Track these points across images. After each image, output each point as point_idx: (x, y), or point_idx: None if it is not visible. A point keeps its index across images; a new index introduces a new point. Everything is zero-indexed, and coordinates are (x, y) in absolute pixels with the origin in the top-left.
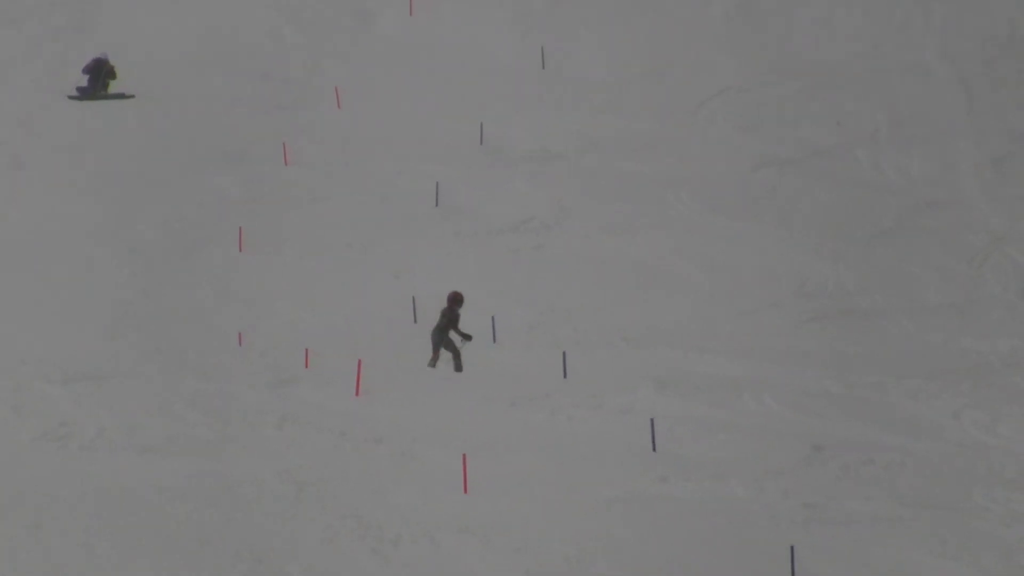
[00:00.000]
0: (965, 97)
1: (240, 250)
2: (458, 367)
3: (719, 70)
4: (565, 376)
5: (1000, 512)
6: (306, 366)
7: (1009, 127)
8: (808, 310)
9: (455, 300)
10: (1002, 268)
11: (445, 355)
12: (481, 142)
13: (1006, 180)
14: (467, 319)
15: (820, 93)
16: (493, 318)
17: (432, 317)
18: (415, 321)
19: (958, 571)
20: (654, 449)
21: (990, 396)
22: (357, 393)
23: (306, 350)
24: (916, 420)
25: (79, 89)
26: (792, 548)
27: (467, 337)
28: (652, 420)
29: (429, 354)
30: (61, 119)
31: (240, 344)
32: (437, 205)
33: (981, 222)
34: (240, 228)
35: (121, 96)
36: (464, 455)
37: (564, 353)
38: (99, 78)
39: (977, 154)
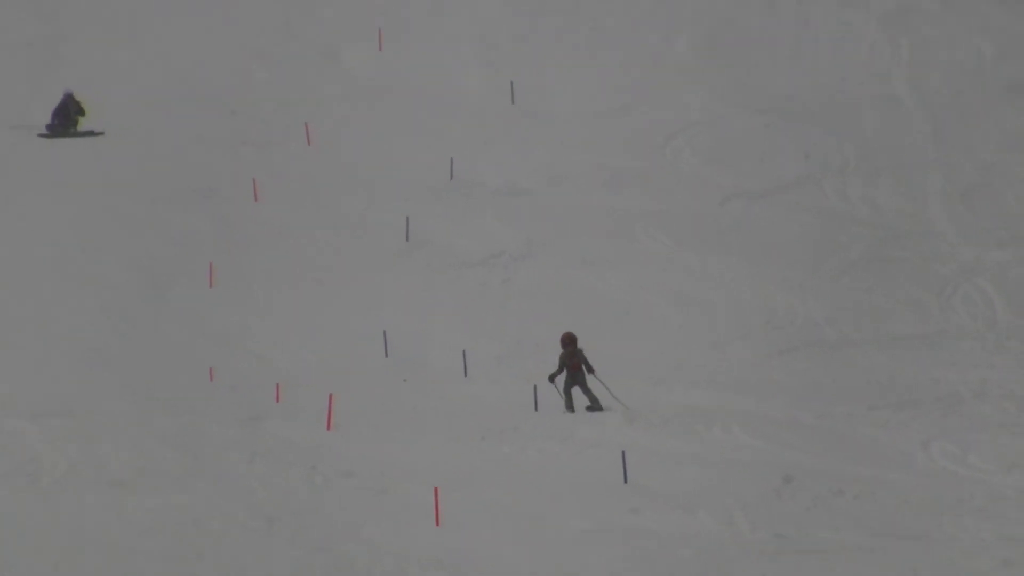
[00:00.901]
0: (933, 128)
1: (210, 286)
2: (597, 404)
3: (686, 104)
4: (536, 409)
5: (970, 541)
6: (277, 401)
7: (977, 158)
8: (777, 342)
9: (571, 340)
10: (971, 299)
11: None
12: (451, 177)
13: (975, 211)
14: (436, 353)
15: (787, 126)
16: (464, 352)
17: (400, 351)
18: (386, 355)
19: None
20: (625, 481)
21: (959, 426)
22: (328, 427)
23: (277, 385)
24: (886, 450)
25: (48, 127)
26: None
27: (590, 370)
28: (623, 452)
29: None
30: (30, 157)
31: (211, 379)
32: (407, 240)
33: (950, 253)
34: (210, 264)
35: (91, 133)
36: (436, 488)
37: (535, 386)
38: (68, 115)
39: (946, 185)
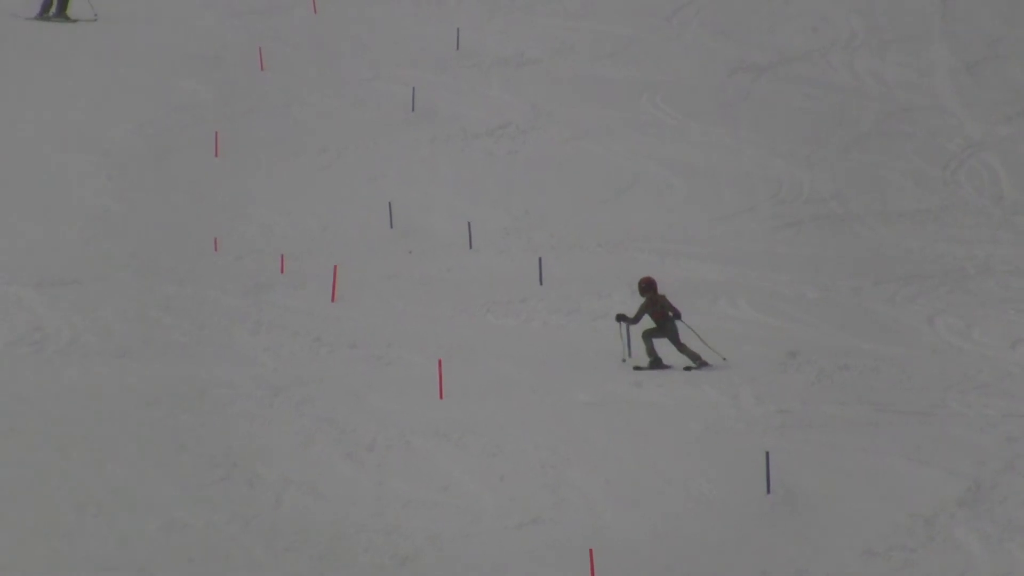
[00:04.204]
0: (940, 2)
1: (216, 155)
2: (699, 361)
3: None
4: (541, 282)
5: (974, 417)
6: (281, 271)
7: (984, 32)
8: (783, 215)
9: (652, 285)
10: (977, 174)
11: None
12: (457, 47)
13: (981, 85)
14: (442, 224)
15: None
16: (469, 223)
17: (405, 222)
18: (391, 226)
19: (932, 476)
20: (629, 355)
21: (965, 301)
22: (333, 298)
23: (281, 255)
24: (891, 325)
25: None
26: (767, 453)
27: (676, 315)
28: (628, 326)
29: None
30: (28, 29)
31: (215, 249)
32: (413, 110)
33: (956, 128)
34: (216, 133)
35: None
36: (440, 360)
37: (540, 259)
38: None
39: (952, 59)
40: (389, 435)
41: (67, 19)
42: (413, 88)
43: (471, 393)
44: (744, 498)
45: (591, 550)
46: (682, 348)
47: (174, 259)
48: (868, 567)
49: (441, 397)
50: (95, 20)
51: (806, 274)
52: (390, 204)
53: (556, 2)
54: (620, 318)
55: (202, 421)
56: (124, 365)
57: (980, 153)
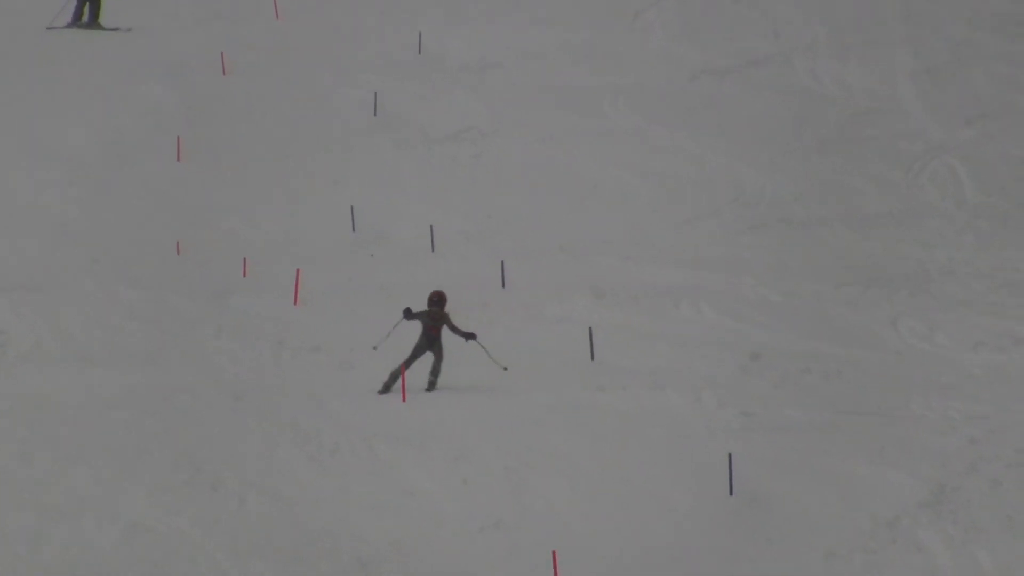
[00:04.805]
0: (903, 5)
1: (178, 160)
2: (432, 384)
3: None
4: (503, 286)
5: (936, 420)
6: (244, 275)
7: (946, 36)
8: (746, 219)
9: (441, 300)
10: (940, 177)
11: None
12: (419, 51)
13: (943, 89)
14: (404, 228)
15: (758, 2)
16: (431, 227)
17: (368, 226)
18: (353, 230)
19: (895, 478)
20: (592, 358)
21: (927, 304)
22: (295, 302)
23: (244, 259)
24: (853, 329)
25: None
26: (730, 456)
27: (470, 336)
28: (590, 329)
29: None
30: None
31: (178, 254)
32: (375, 115)
33: (919, 131)
34: (178, 138)
35: (116, 29)
36: (403, 363)
37: (503, 263)
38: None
39: (914, 63)
40: (352, 440)
41: (100, 27)
42: (375, 93)
43: (434, 397)
44: (707, 501)
45: (554, 552)
46: (436, 366)
47: (137, 264)
48: (830, 569)
49: (404, 400)
50: (129, 31)
51: (769, 278)
52: (352, 208)
53: (519, 7)
54: (406, 313)
55: (165, 426)
56: (86, 371)
57: (942, 156)
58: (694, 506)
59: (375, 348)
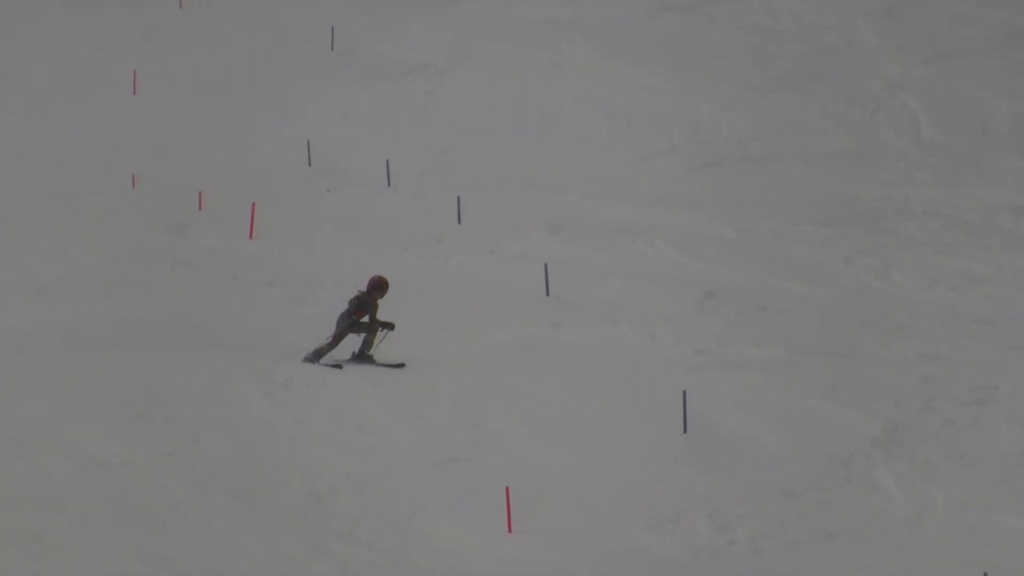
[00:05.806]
0: None
1: (134, 92)
2: (363, 355)
3: None
4: (459, 221)
5: (891, 358)
6: (200, 208)
7: None
8: (702, 156)
9: (379, 287)
10: (897, 115)
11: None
12: None
13: (901, 27)
14: (360, 163)
15: None
16: (388, 161)
17: (324, 161)
18: (309, 165)
19: (850, 416)
20: (547, 294)
21: (883, 242)
22: (251, 236)
23: (200, 193)
24: (809, 266)
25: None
26: (684, 393)
27: (388, 326)
28: (545, 265)
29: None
30: None
31: (134, 187)
32: (332, 49)
33: (876, 69)
34: (134, 70)
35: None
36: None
37: (459, 198)
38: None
39: (873, 1)
40: (306, 374)
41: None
42: (332, 27)
43: (388, 335)
44: (661, 437)
45: (507, 488)
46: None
47: (92, 196)
48: (785, 507)
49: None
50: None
51: (725, 215)
52: (308, 143)
53: None
54: (383, 325)
55: (119, 359)
56: (42, 303)
57: (899, 95)
58: (648, 442)
59: (371, 355)
